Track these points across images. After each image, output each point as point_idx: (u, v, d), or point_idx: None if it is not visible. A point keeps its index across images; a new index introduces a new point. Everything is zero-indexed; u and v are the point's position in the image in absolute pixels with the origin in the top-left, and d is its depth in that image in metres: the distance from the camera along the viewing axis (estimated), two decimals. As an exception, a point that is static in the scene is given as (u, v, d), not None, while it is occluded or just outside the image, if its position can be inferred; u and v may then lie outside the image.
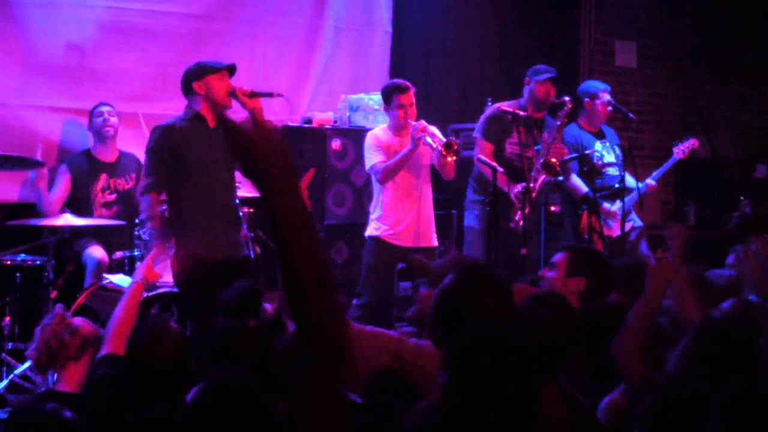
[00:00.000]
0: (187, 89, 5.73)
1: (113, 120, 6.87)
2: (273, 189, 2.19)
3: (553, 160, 6.73)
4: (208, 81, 5.68)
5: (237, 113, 6.04)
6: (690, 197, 9.91)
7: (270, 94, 6.00)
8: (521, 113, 6.74)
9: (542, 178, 6.77)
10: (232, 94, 5.70)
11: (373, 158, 6.66)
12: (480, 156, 6.77)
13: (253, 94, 5.74)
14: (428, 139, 6.45)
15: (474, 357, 2.55)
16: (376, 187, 6.78)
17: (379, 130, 6.81)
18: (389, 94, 6.68)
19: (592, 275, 4.39)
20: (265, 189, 2.19)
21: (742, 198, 9.22)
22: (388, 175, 6.60)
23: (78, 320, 4.05)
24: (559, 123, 6.91)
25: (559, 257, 4.51)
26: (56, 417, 2.97)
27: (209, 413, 2.77)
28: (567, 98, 6.94)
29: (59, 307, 4.09)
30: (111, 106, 6.90)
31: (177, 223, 5.70)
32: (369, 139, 6.74)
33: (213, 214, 5.65)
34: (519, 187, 6.63)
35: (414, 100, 6.65)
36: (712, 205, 9.89)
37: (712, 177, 9.87)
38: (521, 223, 6.57)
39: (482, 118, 7.09)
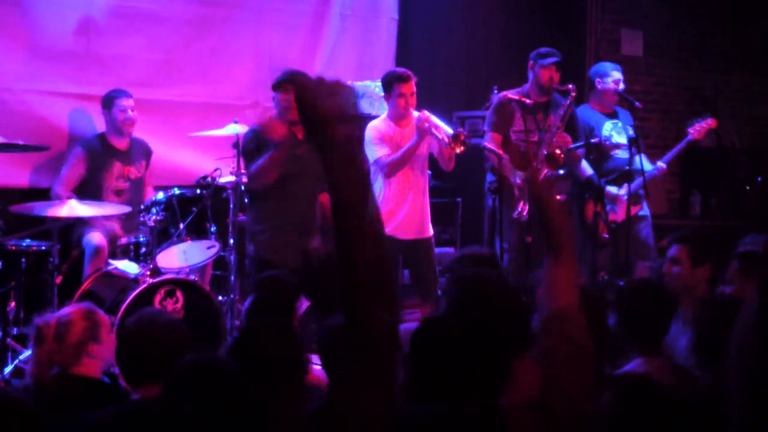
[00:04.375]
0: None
1: (134, 115, 6.82)
2: (337, 156, 2.15)
3: (557, 151, 6.68)
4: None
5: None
6: (695, 187, 9.89)
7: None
8: (527, 101, 6.71)
9: (545, 171, 6.72)
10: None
11: (377, 151, 6.55)
12: (485, 144, 6.74)
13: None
14: (434, 130, 6.42)
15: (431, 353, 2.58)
16: (378, 181, 6.66)
17: (378, 122, 6.70)
18: (390, 83, 6.59)
19: (716, 259, 4.46)
20: (328, 154, 2.15)
21: (748, 188, 9.19)
22: (394, 168, 6.51)
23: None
24: (563, 110, 6.85)
25: (679, 250, 4.59)
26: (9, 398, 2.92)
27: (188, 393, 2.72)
28: (571, 86, 6.86)
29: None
30: (130, 95, 6.82)
31: (253, 225, 5.96)
32: (370, 132, 6.61)
33: (288, 222, 5.86)
34: (519, 178, 6.61)
35: (415, 90, 6.58)
36: (717, 195, 9.87)
37: (718, 166, 9.85)
38: (524, 213, 6.55)
39: (489, 109, 7.08)
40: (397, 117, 6.62)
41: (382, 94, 7.48)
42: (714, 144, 9.86)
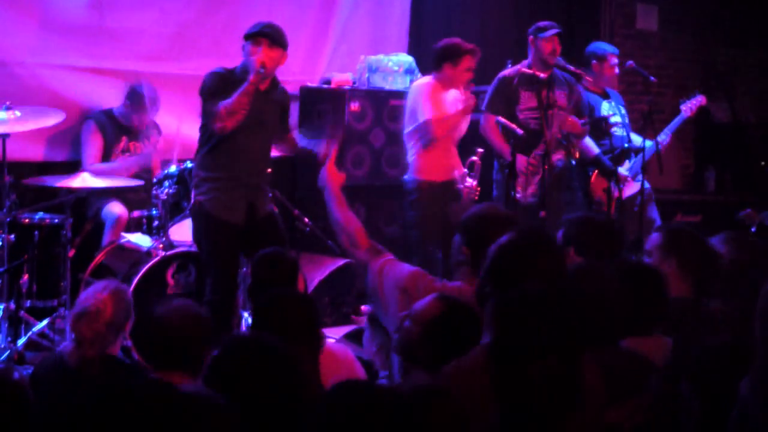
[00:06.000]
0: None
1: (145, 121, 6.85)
2: None
3: (559, 136, 6.67)
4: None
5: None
6: (709, 162, 9.85)
7: None
8: (541, 74, 6.67)
9: (557, 156, 6.70)
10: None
11: (427, 111, 6.53)
12: (499, 119, 6.64)
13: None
14: None
15: (522, 318, 2.53)
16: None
17: (432, 81, 6.68)
18: (459, 54, 6.58)
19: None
20: None
21: (762, 163, 9.16)
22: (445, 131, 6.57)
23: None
24: (567, 92, 6.83)
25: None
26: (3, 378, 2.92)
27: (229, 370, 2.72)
28: (580, 70, 6.89)
29: None
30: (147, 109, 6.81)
31: (201, 171, 5.60)
32: (425, 89, 6.62)
33: (237, 176, 5.52)
34: (523, 160, 6.55)
35: None
36: (731, 171, 9.84)
37: (732, 142, 9.81)
38: (529, 193, 6.52)
39: (489, 89, 6.99)
40: (451, 85, 6.64)
41: (396, 68, 7.45)
42: (729, 119, 9.83)
